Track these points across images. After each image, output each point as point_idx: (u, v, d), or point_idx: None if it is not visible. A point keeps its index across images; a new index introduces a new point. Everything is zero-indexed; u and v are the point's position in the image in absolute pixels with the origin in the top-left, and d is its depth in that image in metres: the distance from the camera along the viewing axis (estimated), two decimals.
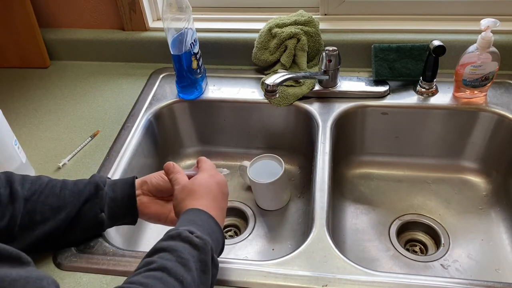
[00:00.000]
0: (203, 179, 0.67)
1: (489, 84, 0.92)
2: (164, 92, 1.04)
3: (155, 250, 0.56)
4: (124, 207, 0.70)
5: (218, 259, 0.61)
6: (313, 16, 1.00)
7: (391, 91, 0.98)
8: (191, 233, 0.57)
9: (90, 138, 0.94)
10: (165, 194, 0.72)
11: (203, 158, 0.73)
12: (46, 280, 0.43)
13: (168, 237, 0.57)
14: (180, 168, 0.70)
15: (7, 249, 0.43)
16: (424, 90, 0.96)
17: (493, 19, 0.82)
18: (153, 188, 0.71)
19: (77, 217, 0.67)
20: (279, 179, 0.91)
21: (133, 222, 0.73)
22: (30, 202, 0.65)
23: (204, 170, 0.69)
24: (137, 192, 0.71)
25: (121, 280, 0.68)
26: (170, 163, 0.70)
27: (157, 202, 0.72)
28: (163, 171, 0.71)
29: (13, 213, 0.63)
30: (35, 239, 0.65)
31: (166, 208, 0.72)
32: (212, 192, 0.66)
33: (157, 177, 0.72)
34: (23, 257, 0.44)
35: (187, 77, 0.96)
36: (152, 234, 0.93)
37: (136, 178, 0.73)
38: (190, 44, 0.91)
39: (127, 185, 0.71)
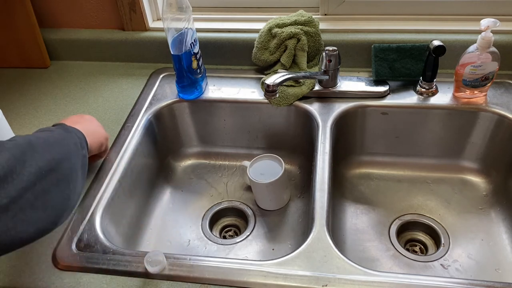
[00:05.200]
0: None
1: (489, 84, 0.92)
2: (164, 92, 1.04)
3: None
4: None
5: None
6: (313, 16, 1.00)
7: (391, 91, 0.98)
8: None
9: None
10: None
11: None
12: None
13: None
14: None
15: None
16: (424, 90, 0.96)
17: (493, 19, 0.82)
18: None
19: None
20: (279, 179, 0.91)
21: None
22: None
23: None
24: None
25: (121, 280, 0.68)
26: None
27: None
28: None
29: None
30: None
31: None
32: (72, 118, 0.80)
33: None
34: None
35: (187, 77, 0.96)
36: (152, 234, 0.93)
37: None
38: (190, 44, 0.91)
39: None
